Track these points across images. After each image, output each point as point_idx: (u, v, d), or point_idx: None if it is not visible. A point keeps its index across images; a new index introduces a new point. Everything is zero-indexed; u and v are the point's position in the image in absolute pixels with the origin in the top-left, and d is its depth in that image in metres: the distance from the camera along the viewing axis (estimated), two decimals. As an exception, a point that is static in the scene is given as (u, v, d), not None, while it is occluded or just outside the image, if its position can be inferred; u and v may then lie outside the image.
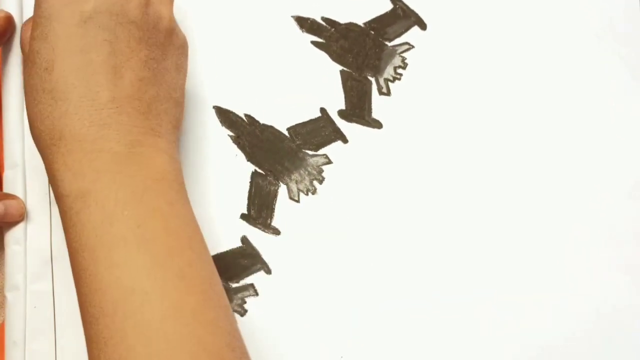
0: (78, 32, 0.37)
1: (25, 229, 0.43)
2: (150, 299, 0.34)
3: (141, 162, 0.37)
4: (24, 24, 0.41)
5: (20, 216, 0.43)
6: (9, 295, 0.43)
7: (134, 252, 0.35)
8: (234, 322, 0.37)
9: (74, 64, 0.37)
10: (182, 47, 0.42)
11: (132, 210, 0.36)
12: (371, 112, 0.46)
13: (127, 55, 0.38)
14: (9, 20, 0.44)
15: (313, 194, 0.45)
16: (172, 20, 0.41)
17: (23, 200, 0.43)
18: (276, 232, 0.45)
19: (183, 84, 0.42)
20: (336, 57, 0.47)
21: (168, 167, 0.38)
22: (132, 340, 0.34)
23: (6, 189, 0.44)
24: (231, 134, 0.46)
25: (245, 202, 0.45)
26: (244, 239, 0.45)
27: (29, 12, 0.45)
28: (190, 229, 0.38)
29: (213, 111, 0.46)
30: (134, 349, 0.34)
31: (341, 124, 0.46)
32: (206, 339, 0.34)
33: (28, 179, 0.44)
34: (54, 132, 0.37)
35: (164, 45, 0.40)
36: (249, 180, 0.45)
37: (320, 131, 0.46)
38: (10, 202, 0.43)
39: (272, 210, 0.45)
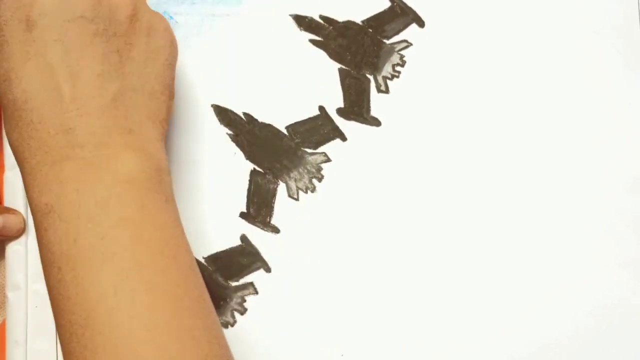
0: (28, 38, 0.36)
1: (27, 228, 0.43)
2: (117, 316, 0.33)
3: (108, 165, 0.35)
4: None
5: (19, 231, 0.43)
6: (10, 294, 0.43)
7: (97, 268, 0.34)
8: (214, 329, 0.35)
9: (29, 71, 0.36)
10: (154, 33, 0.39)
11: (94, 222, 0.34)
12: (370, 110, 0.46)
13: (81, 52, 0.36)
14: None
15: (312, 192, 0.45)
16: (134, 6, 0.38)
17: (23, 200, 0.44)
18: (275, 230, 0.45)
19: (163, 73, 0.39)
20: (334, 55, 0.47)
21: (139, 167, 0.36)
22: (102, 357, 0.33)
23: (6, 189, 0.44)
24: (230, 132, 0.46)
25: (244, 200, 0.45)
26: (243, 238, 0.45)
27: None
28: (166, 233, 0.36)
29: (211, 109, 0.46)
30: None
31: (340, 122, 0.46)
32: (180, 352, 0.33)
33: (28, 179, 0.44)
34: (22, 145, 0.36)
35: (127, 35, 0.38)
36: (247, 178, 0.45)
37: (319, 129, 0.46)
38: (9, 217, 0.43)
39: (272, 208, 0.45)
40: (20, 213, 0.43)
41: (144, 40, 0.38)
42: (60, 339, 0.35)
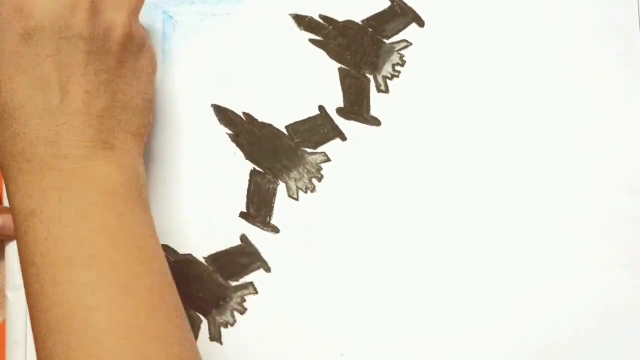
0: (22, 50, 0.37)
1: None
2: (94, 315, 0.34)
3: (89, 176, 0.37)
4: None
5: None
6: (10, 294, 0.43)
7: (77, 269, 0.35)
8: (185, 333, 0.37)
9: (20, 82, 0.37)
10: (142, 50, 0.40)
11: (75, 227, 0.36)
12: (369, 110, 0.46)
13: (73, 69, 0.37)
14: None
15: (312, 191, 0.45)
16: (127, 26, 0.39)
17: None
18: (275, 230, 0.45)
19: (146, 89, 0.40)
20: (334, 55, 0.47)
21: (119, 179, 0.38)
22: (76, 356, 0.34)
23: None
24: (229, 132, 0.46)
25: (244, 200, 0.45)
26: (243, 237, 0.45)
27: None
28: (142, 242, 0.37)
29: (211, 109, 0.46)
30: None
31: (339, 121, 0.46)
32: (152, 354, 0.34)
33: (28, 179, 0.44)
34: (5, 152, 0.37)
35: (118, 53, 0.39)
36: (247, 178, 0.45)
37: (318, 129, 0.46)
38: (9, 217, 0.43)
39: (271, 208, 0.45)
40: (19, 213, 0.44)
41: (133, 58, 0.40)
42: (34, 335, 0.36)
